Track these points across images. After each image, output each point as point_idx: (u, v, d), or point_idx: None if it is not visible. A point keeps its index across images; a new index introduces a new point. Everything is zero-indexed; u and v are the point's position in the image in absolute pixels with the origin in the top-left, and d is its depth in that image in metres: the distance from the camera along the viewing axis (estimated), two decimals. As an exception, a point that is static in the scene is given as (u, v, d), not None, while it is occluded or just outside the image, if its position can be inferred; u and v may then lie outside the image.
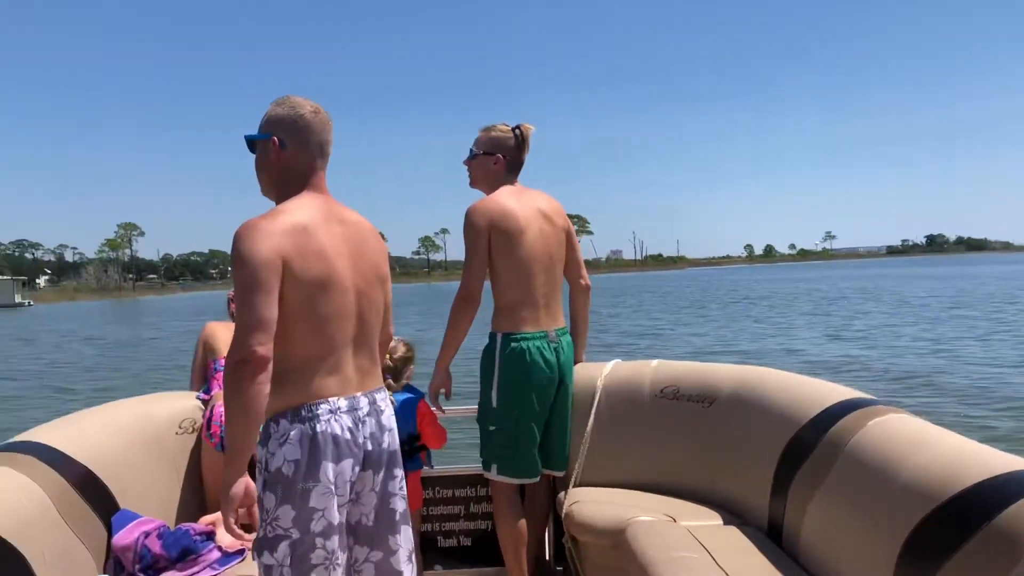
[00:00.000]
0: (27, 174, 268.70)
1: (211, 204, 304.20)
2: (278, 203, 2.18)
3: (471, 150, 3.37)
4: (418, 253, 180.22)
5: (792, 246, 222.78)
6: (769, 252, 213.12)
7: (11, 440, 2.85)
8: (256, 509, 2.08)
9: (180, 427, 3.44)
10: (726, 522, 3.11)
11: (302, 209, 2.12)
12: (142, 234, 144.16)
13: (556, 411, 3.39)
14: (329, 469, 2.06)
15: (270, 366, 1.96)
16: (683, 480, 3.43)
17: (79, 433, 3.01)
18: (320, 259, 2.08)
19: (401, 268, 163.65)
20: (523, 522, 3.31)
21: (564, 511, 3.33)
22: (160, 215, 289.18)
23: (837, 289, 48.80)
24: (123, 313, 60.58)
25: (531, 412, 3.27)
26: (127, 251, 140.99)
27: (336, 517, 2.09)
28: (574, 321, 3.63)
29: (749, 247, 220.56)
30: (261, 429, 2.10)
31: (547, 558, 3.70)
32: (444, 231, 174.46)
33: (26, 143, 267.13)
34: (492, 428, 3.29)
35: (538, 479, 3.40)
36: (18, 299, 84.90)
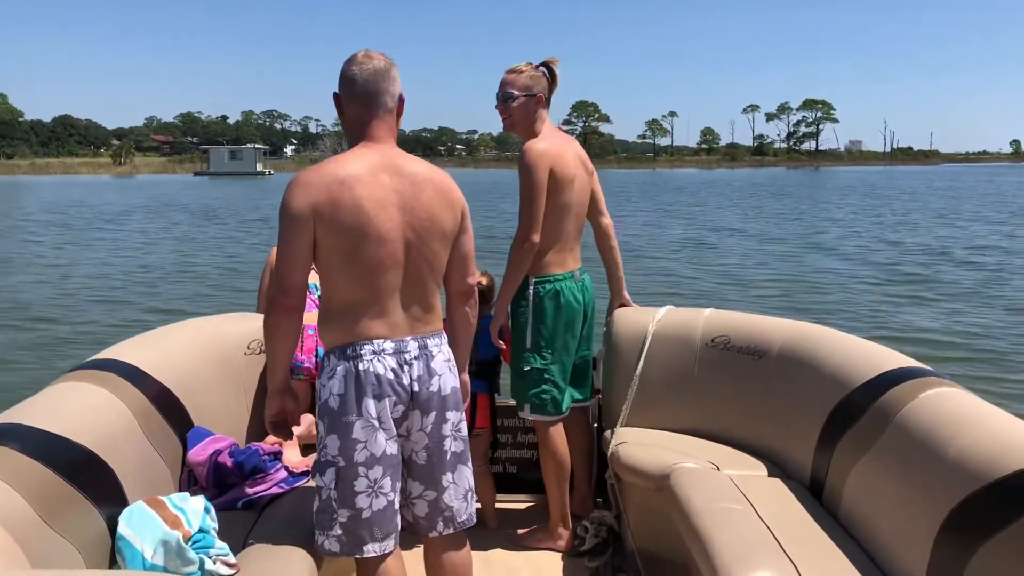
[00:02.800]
0: (279, 47, 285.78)
1: (443, 82, 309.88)
2: None
3: (509, 93, 3.30)
4: (643, 137, 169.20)
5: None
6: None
7: (96, 357, 2.91)
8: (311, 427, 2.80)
9: (248, 348, 3.41)
10: (770, 474, 3.15)
11: (350, 162, 2.20)
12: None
13: (583, 345, 3.52)
14: (371, 405, 2.21)
15: (296, 303, 2.22)
16: (728, 429, 3.46)
17: (157, 351, 3.06)
18: (356, 211, 2.15)
19: (625, 153, 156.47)
20: (567, 454, 3.42)
21: (610, 451, 3.40)
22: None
23: None
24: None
25: (564, 351, 3.39)
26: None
27: (381, 449, 2.23)
28: (609, 262, 3.72)
29: (1016, 143, 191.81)
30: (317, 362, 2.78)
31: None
32: (672, 114, 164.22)
33: (277, 19, 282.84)
34: (526, 369, 3.37)
35: (567, 413, 3.46)
36: (259, 167, 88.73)
